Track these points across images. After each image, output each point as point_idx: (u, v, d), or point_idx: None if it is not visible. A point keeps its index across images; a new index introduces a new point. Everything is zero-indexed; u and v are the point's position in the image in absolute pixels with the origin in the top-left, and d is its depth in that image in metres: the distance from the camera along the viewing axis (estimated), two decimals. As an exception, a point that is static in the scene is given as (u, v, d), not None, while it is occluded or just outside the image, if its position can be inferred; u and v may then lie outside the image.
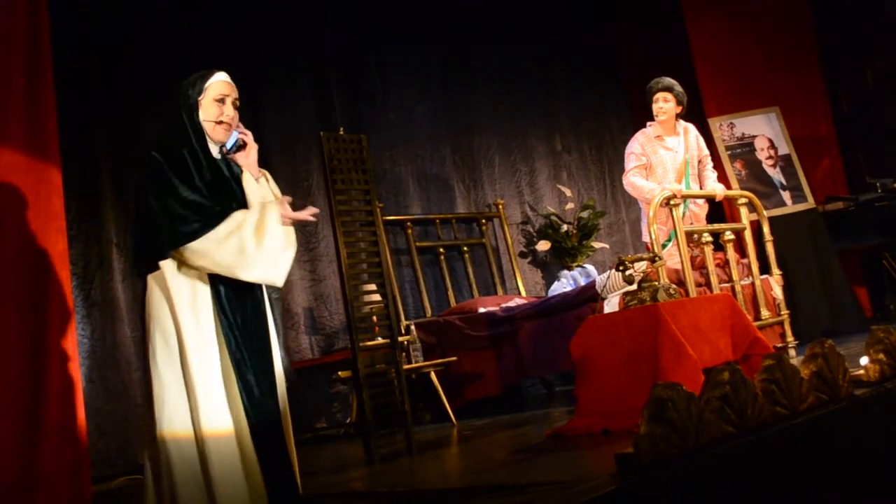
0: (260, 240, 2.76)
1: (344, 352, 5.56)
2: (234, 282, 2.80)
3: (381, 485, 3.59)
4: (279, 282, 2.81)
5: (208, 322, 2.77)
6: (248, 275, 2.77)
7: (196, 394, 2.71)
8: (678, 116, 5.50)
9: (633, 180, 5.38)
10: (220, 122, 2.91)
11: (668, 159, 5.42)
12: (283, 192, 3.14)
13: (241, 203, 2.88)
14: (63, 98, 3.92)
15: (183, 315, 2.75)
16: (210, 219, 2.76)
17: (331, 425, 5.87)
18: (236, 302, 2.83)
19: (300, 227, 6.05)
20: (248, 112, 3.06)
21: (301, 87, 6.41)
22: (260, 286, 2.91)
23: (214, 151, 2.94)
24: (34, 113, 3.71)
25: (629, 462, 2.59)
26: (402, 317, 6.26)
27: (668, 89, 5.42)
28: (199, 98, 2.92)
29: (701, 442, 2.74)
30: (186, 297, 2.76)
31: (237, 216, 2.79)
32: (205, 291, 2.78)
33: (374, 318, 4.91)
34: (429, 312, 6.54)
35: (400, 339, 4.89)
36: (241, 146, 2.96)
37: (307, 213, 2.92)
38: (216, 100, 2.92)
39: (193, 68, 3.01)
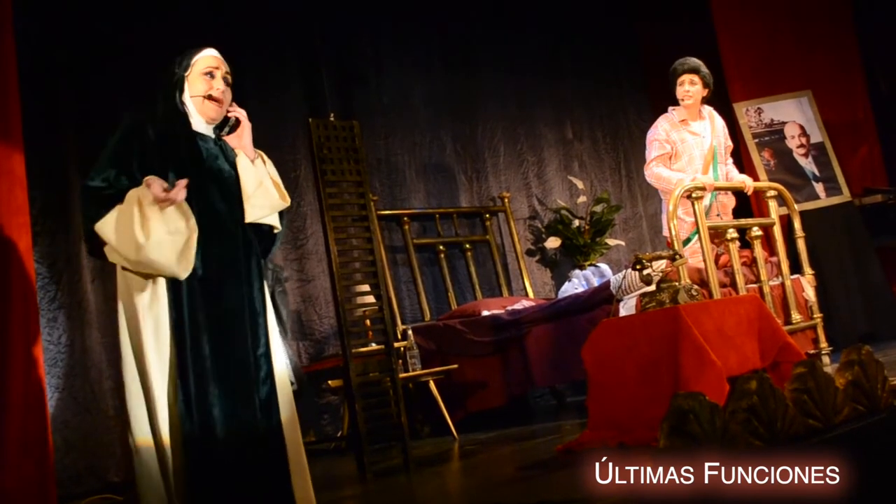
0: (146, 232, 2.72)
1: (335, 359, 5.56)
2: (207, 274, 2.83)
3: (376, 504, 3.60)
4: (178, 273, 2.76)
5: (166, 321, 2.79)
6: (145, 268, 2.75)
7: (154, 400, 2.75)
8: (703, 100, 5.51)
9: (658, 171, 5.37)
10: (209, 97, 2.94)
11: (694, 146, 5.42)
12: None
13: (227, 189, 2.91)
14: (28, 84, 3.94)
15: (142, 313, 2.79)
16: (105, 202, 2.77)
17: (320, 439, 5.87)
18: (206, 296, 2.83)
19: (287, 221, 6.08)
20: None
21: (287, 68, 6.40)
22: (249, 278, 2.92)
23: (203, 129, 2.96)
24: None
25: (647, 479, 2.59)
26: (399, 321, 6.27)
27: (695, 71, 5.41)
28: (186, 74, 2.96)
29: (726, 457, 2.74)
30: (147, 293, 2.80)
31: (128, 201, 2.76)
32: (162, 286, 2.80)
33: (368, 321, 4.91)
34: (427, 316, 6.54)
35: (396, 345, 4.89)
36: (233, 126, 2.99)
37: (176, 191, 2.75)
38: (204, 73, 2.96)
39: (169, 53, 3.02)
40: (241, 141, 3.00)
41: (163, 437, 2.74)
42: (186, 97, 2.95)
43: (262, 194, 2.96)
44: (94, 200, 2.79)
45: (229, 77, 3.02)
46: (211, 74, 2.97)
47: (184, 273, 2.76)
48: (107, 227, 2.76)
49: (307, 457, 3.03)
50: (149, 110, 2.95)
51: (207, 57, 2.99)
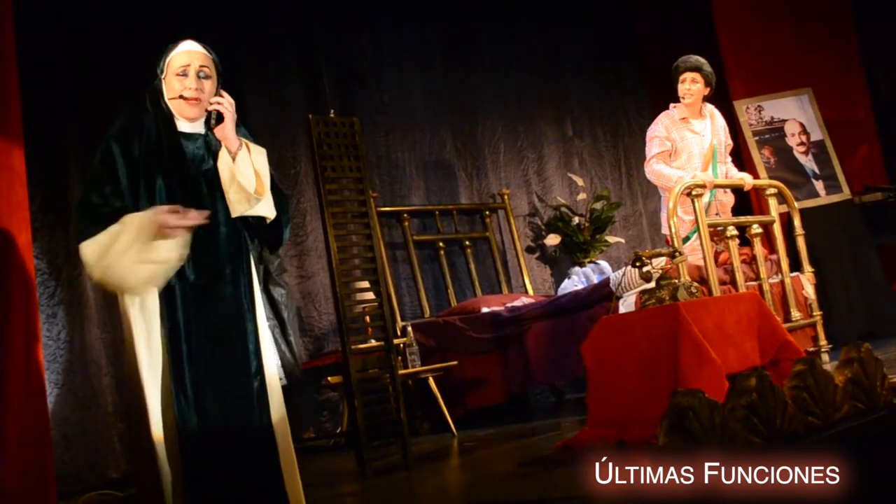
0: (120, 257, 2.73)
1: (334, 355, 5.56)
2: (199, 279, 2.82)
3: (375, 501, 3.59)
4: (130, 290, 2.78)
5: (156, 326, 2.79)
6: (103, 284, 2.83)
7: (146, 397, 2.76)
8: (705, 99, 5.50)
9: (658, 168, 5.36)
10: (181, 98, 2.90)
11: (694, 144, 5.41)
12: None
13: (215, 186, 2.89)
14: (29, 81, 3.93)
15: (134, 318, 2.80)
16: (100, 220, 2.76)
17: (319, 436, 5.87)
18: (199, 301, 2.82)
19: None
20: (229, 92, 3.04)
21: (287, 65, 6.40)
22: (238, 276, 2.91)
23: (188, 129, 2.94)
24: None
25: (646, 477, 2.59)
26: (398, 317, 6.26)
27: (697, 69, 5.40)
28: (163, 76, 2.94)
29: (725, 455, 2.74)
30: (137, 298, 2.80)
31: (123, 223, 2.75)
32: (153, 293, 2.79)
33: (368, 318, 4.90)
34: (427, 312, 6.54)
35: (395, 341, 4.89)
36: (218, 119, 2.93)
37: (193, 216, 2.76)
38: (177, 74, 2.92)
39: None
40: (224, 132, 2.92)
41: (153, 435, 2.74)
42: (167, 99, 2.92)
43: (236, 189, 2.89)
44: (89, 217, 2.78)
45: (206, 69, 2.94)
46: (184, 73, 2.91)
47: (126, 288, 2.78)
48: (89, 248, 2.75)
49: (307, 453, 3.03)
50: (136, 117, 2.91)
51: (180, 54, 2.93)
